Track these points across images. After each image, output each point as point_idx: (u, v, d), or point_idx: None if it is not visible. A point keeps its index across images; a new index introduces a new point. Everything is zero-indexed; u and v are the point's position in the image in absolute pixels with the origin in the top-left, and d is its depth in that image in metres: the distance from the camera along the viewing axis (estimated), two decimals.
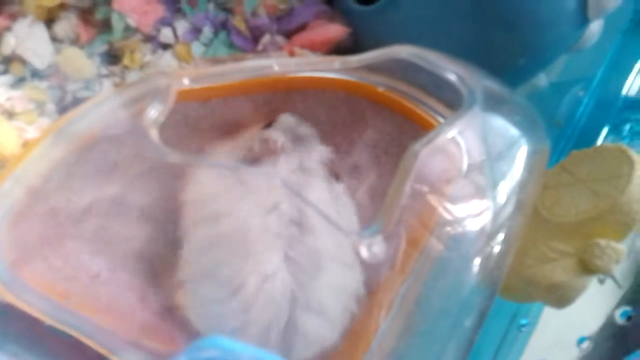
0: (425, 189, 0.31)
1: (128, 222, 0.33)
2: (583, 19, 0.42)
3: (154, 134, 0.29)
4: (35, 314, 0.28)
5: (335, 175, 0.36)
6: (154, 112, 0.30)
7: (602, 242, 0.38)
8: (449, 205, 0.31)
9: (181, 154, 0.29)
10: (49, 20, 0.44)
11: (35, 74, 0.44)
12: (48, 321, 0.28)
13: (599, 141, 0.51)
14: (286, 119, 0.37)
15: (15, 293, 0.28)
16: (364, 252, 0.28)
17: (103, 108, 0.32)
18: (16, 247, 0.29)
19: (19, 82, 0.44)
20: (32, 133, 0.41)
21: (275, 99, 0.38)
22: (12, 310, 0.28)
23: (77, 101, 0.45)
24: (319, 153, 0.36)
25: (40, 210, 0.30)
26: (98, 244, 0.30)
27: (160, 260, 0.32)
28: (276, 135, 0.35)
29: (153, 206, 0.34)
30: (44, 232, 0.30)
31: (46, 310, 0.28)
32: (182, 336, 0.28)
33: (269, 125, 0.36)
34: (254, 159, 0.34)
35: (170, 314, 0.29)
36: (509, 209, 0.33)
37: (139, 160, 0.29)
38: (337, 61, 0.38)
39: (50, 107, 0.44)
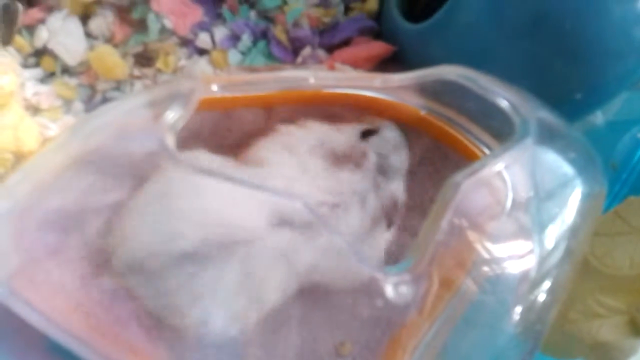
0: (464, 224, 0.28)
1: None
2: None
3: (170, 139, 0.28)
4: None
5: (388, 221, 0.34)
6: (172, 116, 0.28)
7: None
8: (488, 244, 0.28)
9: (196, 163, 0.27)
10: (85, 15, 0.43)
11: (66, 70, 0.43)
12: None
13: None
14: (389, 136, 0.35)
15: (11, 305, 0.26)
16: (389, 291, 0.25)
17: (123, 108, 0.31)
18: (16, 252, 0.27)
19: (49, 77, 0.43)
20: (54, 131, 0.40)
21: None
22: (4, 326, 0.26)
23: (106, 101, 0.43)
24: (389, 194, 0.34)
25: (46, 210, 0.28)
26: (100, 252, 0.27)
27: None
28: (371, 155, 0.34)
29: None
30: (46, 235, 0.27)
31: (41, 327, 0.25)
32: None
33: (369, 133, 0.35)
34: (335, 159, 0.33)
35: (162, 333, 0.26)
36: (558, 255, 0.30)
37: (152, 165, 0.27)
38: (378, 79, 0.35)
39: (78, 105, 0.43)
